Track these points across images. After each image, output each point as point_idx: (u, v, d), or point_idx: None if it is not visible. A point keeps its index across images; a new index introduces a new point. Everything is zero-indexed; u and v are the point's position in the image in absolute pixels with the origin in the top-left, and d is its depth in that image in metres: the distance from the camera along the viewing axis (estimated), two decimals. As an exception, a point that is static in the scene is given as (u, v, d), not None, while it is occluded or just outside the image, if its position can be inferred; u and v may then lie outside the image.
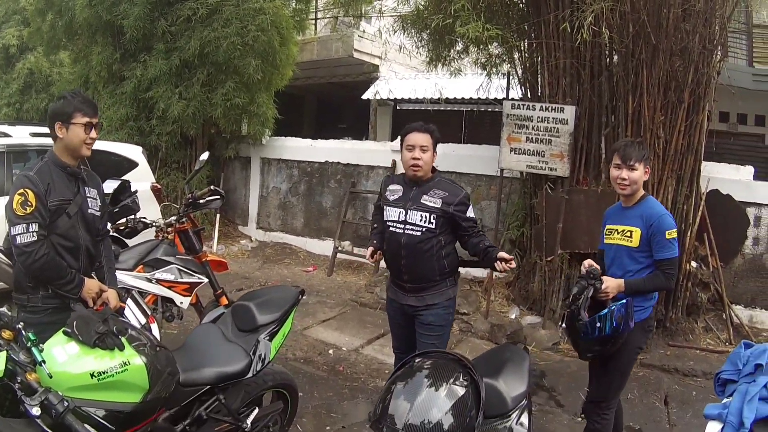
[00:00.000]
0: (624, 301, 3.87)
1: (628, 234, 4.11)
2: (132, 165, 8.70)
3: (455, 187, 4.44)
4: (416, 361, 2.78)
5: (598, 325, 3.80)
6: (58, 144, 3.79)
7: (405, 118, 15.93)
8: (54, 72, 18.56)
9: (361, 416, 5.40)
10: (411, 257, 4.34)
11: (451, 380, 2.55)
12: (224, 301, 5.94)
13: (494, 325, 7.43)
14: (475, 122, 15.25)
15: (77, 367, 2.85)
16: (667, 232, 4.00)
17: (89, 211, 3.94)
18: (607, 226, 4.33)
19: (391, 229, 4.42)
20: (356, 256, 10.53)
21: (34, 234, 3.53)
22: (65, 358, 2.85)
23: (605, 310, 3.80)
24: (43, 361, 2.71)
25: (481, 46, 8.21)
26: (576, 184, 7.46)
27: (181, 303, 5.41)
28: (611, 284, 3.94)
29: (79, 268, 3.84)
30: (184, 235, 5.89)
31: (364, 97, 15.73)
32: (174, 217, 5.91)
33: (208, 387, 3.59)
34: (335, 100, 20.73)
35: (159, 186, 9.09)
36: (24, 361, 2.69)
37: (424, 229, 4.30)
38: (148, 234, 6.00)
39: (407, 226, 4.33)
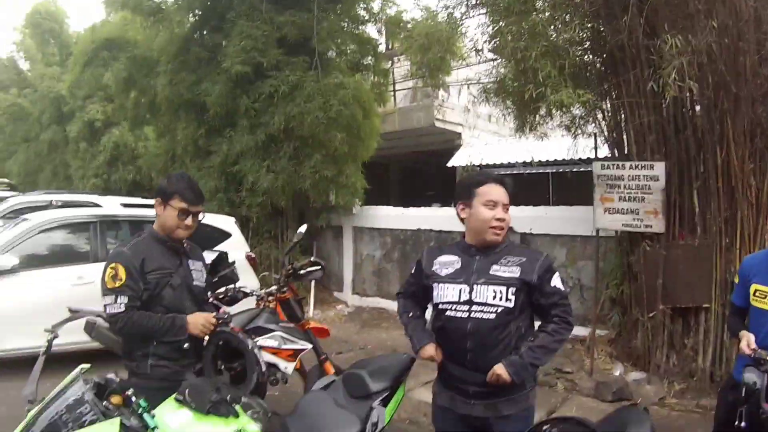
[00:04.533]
0: None
1: None
2: (226, 235, 8.95)
3: (532, 251, 3.52)
4: (544, 428, 2.73)
5: None
6: (157, 220, 3.93)
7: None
8: (140, 145, 19.56)
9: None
10: (480, 350, 3.28)
11: None
12: (329, 367, 5.94)
13: (599, 382, 7.26)
14: (562, 183, 15.18)
15: None
16: None
17: (195, 282, 4.02)
18: (757, 286, 3.74)
19: (448, 313, 3.35)
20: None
21: (122, 305, 3.62)
22: (177, 425, 2.88)
23: None
24: (156, 428, 2.75)
25: (564, 109, 8.23)
26: (672, 239, 7.32)
27: (286, 368, 5.33)
28: None
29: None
30: (286, 304, 5.92)
31: (450, 164, 15.83)
32: (275, 287, 5.96)
33: None
34: (420, 168, 20.92)
35: (254, 255, 9.33)
36: (135, 426, 2.73)
37: (499, 310, 3.25)
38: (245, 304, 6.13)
39: (473, 308, 3.28)
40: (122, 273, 3.63)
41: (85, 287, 7.63)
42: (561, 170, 14.08)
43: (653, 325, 7.42)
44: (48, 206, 11.72)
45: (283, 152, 11.34)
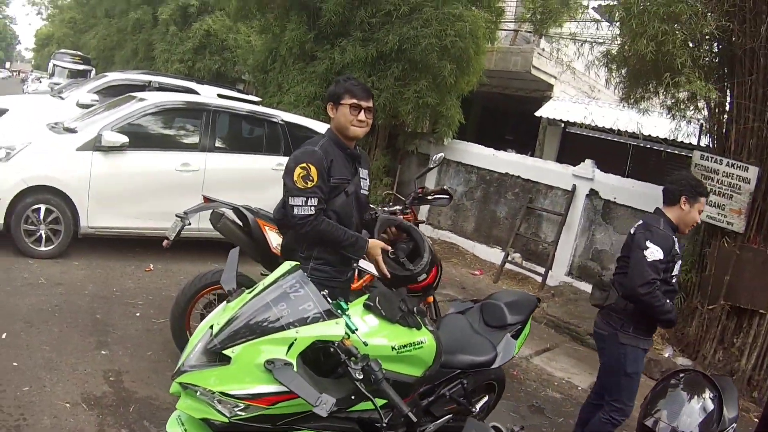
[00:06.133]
0: None
1: None
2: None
3: None
4: (680, 375, 3.72)
5: None
6: (332, 123, 3.91)
7: (573, 141, 16.23)
8: (230, 37, 19.61)
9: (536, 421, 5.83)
10: None
11: (705, 396, 3.28)
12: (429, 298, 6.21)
13: (651, 359, 7.50)
14: (640, 158, 15.25)
15: (378, 338, 3.07)
16: None
17: (362, 191, 4.03)
18: None
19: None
20: (524, 268, 10.89)
21: (312, 208, 3.59)
22: (366, 330, 3.05)
23: None
24: (357, 329, 2.87)
25: (671, 90, 8.26)
26: (747, 241, 7.63)
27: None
28: None
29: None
30: (403, 226, 6.26)
31: (538, 114, 15.81)
32: (398, 207, 6.14)
33: (458, 371, 3.90)
34: (501, 111, 20.83)
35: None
36: None
37: None
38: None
39: None
40: (315, 174, 3.62)
41: (188, 174, 7.98)
42: (649, 146, 14.08)
43: (710, 317, 7.81)
44: (146, 86, 12.06)
45: (391, 72, 11.46)
